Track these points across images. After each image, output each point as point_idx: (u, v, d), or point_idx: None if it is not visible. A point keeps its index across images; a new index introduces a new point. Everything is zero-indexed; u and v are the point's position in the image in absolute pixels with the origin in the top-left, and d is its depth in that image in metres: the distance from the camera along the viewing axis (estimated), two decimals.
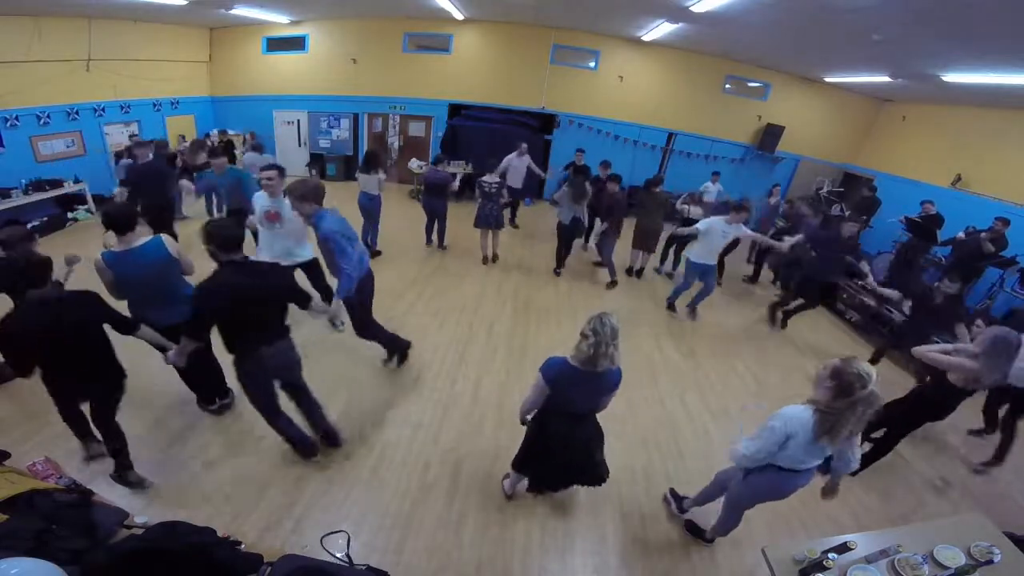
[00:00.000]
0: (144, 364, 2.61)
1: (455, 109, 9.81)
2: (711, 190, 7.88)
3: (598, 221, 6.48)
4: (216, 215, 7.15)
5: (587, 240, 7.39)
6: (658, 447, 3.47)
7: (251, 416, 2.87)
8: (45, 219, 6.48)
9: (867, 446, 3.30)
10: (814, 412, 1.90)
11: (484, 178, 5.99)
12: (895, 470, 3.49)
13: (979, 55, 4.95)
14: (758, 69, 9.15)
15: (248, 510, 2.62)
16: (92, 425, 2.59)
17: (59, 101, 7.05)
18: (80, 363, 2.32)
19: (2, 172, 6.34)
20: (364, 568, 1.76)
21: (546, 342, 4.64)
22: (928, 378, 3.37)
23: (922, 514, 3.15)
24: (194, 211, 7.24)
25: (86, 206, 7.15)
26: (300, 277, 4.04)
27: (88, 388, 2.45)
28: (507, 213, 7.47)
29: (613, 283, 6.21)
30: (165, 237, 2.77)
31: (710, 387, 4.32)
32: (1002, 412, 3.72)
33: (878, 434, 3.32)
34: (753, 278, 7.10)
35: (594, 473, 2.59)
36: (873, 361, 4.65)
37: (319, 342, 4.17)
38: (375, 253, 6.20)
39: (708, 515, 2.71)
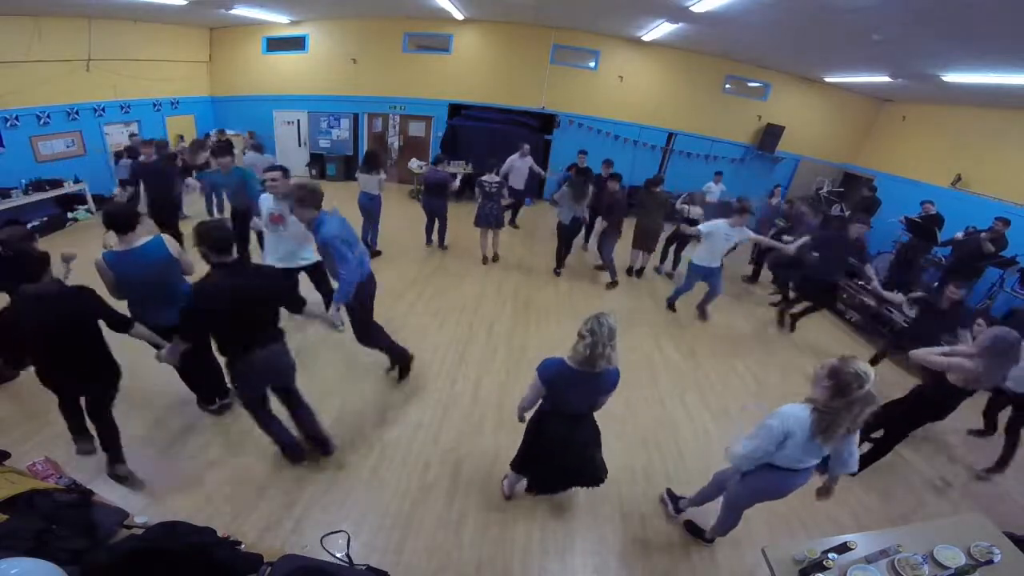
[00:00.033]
0: (144, 364, 2.61)
1: (455, 109, 9.81)
2: (714, 190, 7.87)
3: (598, 221, 6.48)
4: (216, 215, 7.16)
5: (587, 240, 7.40)
6: (658, 447, 3.47)
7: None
8: (45, 219, 6.49)
9: (867, 446, 3.30)
10: (812, 411, 1.90)
11: (484, 177, 6.00)
12: (895, 470, 3.49)
13: (979, 55, 4.95)
14: (758, 69, 9.15)
15: (248, 510, 2.62)
16: (89, 420, 2.60)
17: (59, 101, 7.05)
18: (74, 358, 2.32)
19: (2, 172, 6.34)
20: (364, 568, 1.76)
21: (546, 342, 4.63)
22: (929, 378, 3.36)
23: (922, 514, 3.15)
24: (194, 211, 7.23)
25: (86, 206, 7.15)
26: (304, 280, 4.06)
27: (82, 383, 2.46)
28: (508, 212, 7.46)
29: (613, 283, 6.20)
30: (166, 237, 2.78)
31: (710, 387, 4.32)
32: (1002, 416, 3.70)
33: (878, 434, 3.32)
34: (753, 278, 7.10)
35: (592, 474, 2.58)
36: (873, 362, 4.65)
37: (320, 342, 4.17)
38: (375, 253, 6.20)
39: (708, 515, 2.71)
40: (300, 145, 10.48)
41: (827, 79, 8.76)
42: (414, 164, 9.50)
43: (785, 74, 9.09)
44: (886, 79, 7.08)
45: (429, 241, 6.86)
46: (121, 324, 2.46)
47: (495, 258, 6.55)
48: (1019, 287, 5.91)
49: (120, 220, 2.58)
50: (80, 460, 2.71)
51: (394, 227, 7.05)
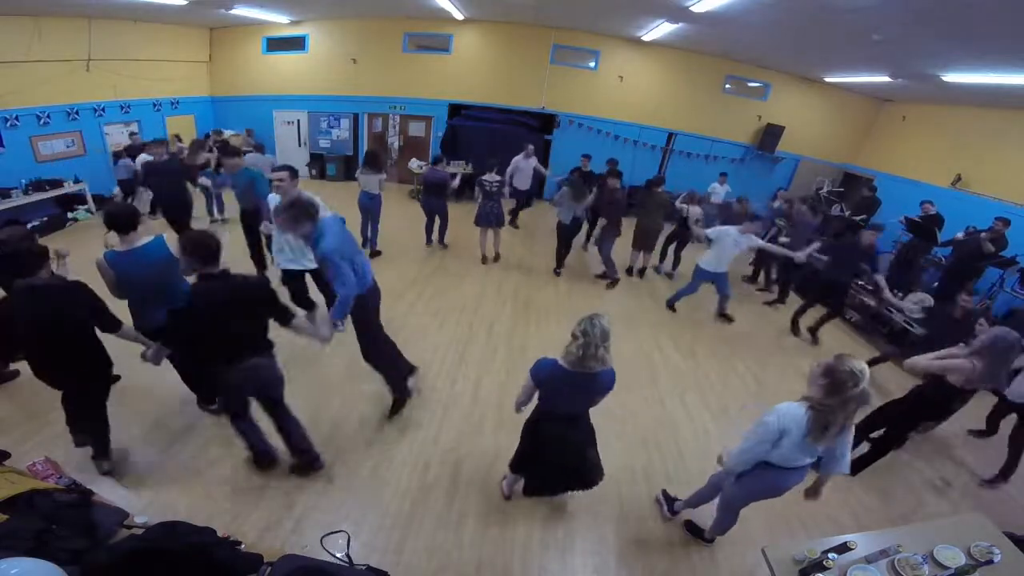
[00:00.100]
0: (144, 364, 2.61)
1: (455, 109, 9.81)
2: (718, 191, 7.85)
3: (599, 222, 6.49)
4: (216, 215, 7.15)
5: (588, 240, 7.39)
6: (658, 447, 3.47)
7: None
8: (45, 219, 6.49)
9: (867, 446, 3.30)
10: (807, 409, 1.91)
11: (485, 177, 6.02)
12: (895, 470, 3.48)
13: (979, 55, 4.96)
14: (758, 69, 9.15)
15: (248, 510, 2.62)
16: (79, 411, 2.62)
17: (59, 101, 7.05)
18: (66, 350, 2.34)
19: (2, 172, 6.34)
20: (364, 568, 1.76)
21: (546, 342, 4.63)
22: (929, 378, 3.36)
23: (922, 514, 3.15)
24: (194, 211, 7.22)
25: (86, 206, 7.15)
26: (309, 282, 4.05)
27: (74, 375, 2.46)
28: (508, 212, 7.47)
29: (613, 283, 6.21)
30: (166, 237, 2.78)
31: (710, 387, 4.32)
32: (1005, 423, 3.68)
33: (877, 434, 3.32)
34: (753, 278, 7.10)
35: (588, 476, 2.58)
36: (872, 363, 4.64)
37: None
38: (375, 253, 6.21)
39: (708, 515, 2.71)
40: (300, 145, 10.48)
41: (827, 79, 8.76)
42: (414, 164, 9.50)
43: (785, 74, 9.09)
44: (886, 79, 7.08)
45: (429, 241, 6.86)
46: (111, 324, 2.46)
47: (496, 258, 6.55)
48: (1019, 287, 5.91)
49: (121, 220, 2.58)
50: (80, 461, 2.72)
51: (394, 227, 7.05)
